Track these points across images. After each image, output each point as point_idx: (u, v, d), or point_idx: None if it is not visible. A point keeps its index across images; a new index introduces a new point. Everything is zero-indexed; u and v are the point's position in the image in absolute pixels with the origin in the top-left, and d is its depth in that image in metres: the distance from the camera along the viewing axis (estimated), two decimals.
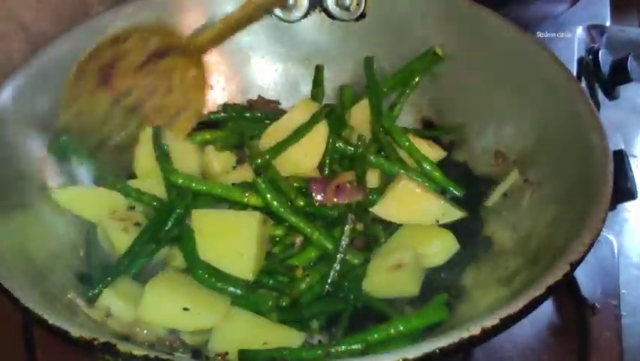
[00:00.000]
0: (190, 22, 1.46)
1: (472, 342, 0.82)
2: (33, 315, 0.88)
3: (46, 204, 1.21)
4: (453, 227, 1.24)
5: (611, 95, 1.75)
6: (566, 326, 1.32)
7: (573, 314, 1.32)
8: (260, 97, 1.53)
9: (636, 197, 1.43)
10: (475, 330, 0.82)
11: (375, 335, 0.98)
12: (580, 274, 1.30)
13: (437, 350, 0.81)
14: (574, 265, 0.90)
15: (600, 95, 1.73)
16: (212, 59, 1.49)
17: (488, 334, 0.82)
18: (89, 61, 1.27)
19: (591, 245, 0.92)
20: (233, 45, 1.50)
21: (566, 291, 1.31)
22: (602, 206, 0.98)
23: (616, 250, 1.42)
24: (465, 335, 0.82)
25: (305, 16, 1.50)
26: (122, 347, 0.82)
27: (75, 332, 0.85)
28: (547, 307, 1.33)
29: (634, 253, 1.50)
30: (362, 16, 1.46)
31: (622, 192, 1.39)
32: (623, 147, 1.50)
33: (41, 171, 1.24)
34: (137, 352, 0.82)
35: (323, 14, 1.49)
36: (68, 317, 0.90)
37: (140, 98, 1.33)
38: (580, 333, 1.29)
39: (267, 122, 1.41)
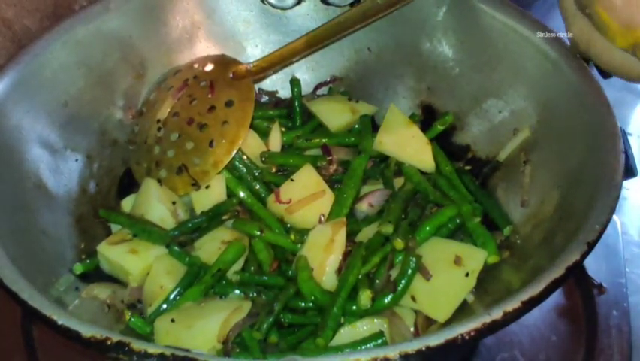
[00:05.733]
0: (182, 11, 1.43)
1: (495, 327, 0.81)
2: (42, 317, 0.86)
3: (45, 204, 1.19)
4: None
5: (605, 73, 1.74)
6: (572, 307, 1.32)
7: (580, 294, 1.32)
8: (260, 89, 1.53)
9: (636, 174, 1.42)
10: (496, 314, 0.81)
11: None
12: None
13: (459, 337, 0.80)
14: (591, 245, 0.89)
15: (595, 74, 1.72)
16: (206, 49, 1.47)
17: (510, 317, 0.81)
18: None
19: (607, 223, 0.91)
20: (227, 34, 1.49)
21: None
22: (615, 183, 0.97)
23: (619, 229, 1.43)
24: (487, 319, 0.81)
25: (299, 2, 1.47)
26: (137, 345, 0.80)
27: (86, 332, 0.82)
28: None
29: (635, 231, 1.50)
30: (357, 1, 1.43)
31: None
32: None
33: (37, 168, 1.21)
34: (153, 350, 0.79)
35: (316, 0, 1.47)
36: (77, 317, 0.87)
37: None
38: (587, 313, 1.29)
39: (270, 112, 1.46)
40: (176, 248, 1.17)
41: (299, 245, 1.19)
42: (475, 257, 1.12)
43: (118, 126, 1.38)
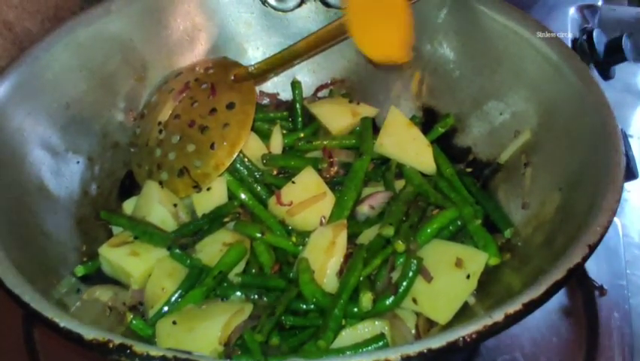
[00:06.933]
0: (183, 13, 1.43)
1: (496, 329, 0.81)
2: (44, 319, 0.86)
3: (46, 206, 1.19)
4: None
5: (606, 75, 1.75)
6: (573, 308, 1.32)
7: (581, 296, 1.32)
8: (261, 92, 1.53)
9: (637, 176, 1.42)
10: (498, 316, 0.81)
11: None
12: None
13: (460, 339, 0.80)
14: (592, 247, 0.89)
15: (595, 76, 1.73)
16: (207, 52, 1.47)
17: (512, 320, 0.81)
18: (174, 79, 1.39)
19: (608, 225, 0.91)
20: (228, 36, 1.49)
21: None
22: (616, 185, 0.97)
23: (620, 231, 1.42)
24: (488, 321, 0.81)
25: (299, 4, 1.48)
26: (139, 348, 0.80)
27: (88, 334, 0.82)
28: None
29: (635, 233, 1.50)
30: None
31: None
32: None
33: (38, 170, 1.21)
34: (155, 353, 0.79)
35: (318, 2, 1.47)
36: (79, 319, 0.87)
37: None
38: (588, 314, 1.29)
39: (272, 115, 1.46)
40: (177, 250, 1.17)
41: (300, 247, 1.19)
42: (476, 259, 1.12)
43: (119, 129, 1.38)
